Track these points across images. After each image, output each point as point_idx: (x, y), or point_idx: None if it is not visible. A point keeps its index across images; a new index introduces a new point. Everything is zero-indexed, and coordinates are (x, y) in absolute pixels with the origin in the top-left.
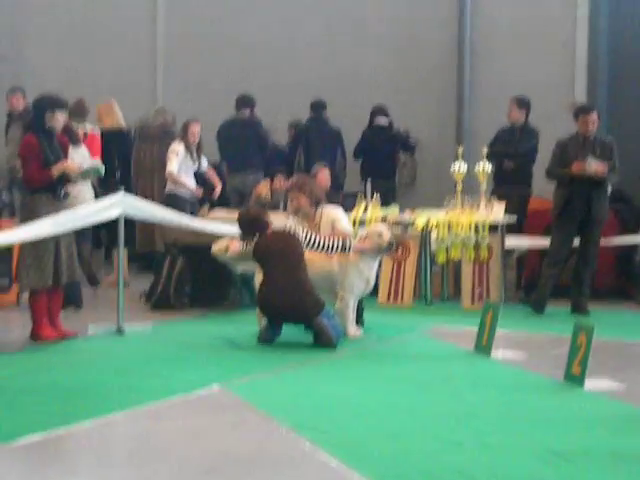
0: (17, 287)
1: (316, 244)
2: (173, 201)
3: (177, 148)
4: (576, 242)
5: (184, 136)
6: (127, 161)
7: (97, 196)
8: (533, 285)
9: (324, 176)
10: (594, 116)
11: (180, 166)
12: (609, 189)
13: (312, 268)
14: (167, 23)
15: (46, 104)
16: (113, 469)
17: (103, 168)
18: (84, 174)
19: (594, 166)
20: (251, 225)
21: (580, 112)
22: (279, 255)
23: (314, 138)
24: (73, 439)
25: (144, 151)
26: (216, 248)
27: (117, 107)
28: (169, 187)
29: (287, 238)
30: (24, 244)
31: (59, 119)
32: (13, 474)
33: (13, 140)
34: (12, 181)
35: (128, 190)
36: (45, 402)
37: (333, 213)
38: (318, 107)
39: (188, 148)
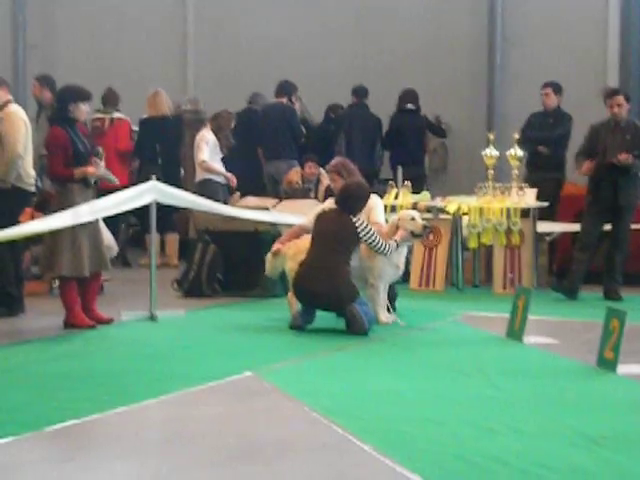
0: (49, 275)
1: (369, 238)
2: (207, 187)
3: (208, 136)
4: (608, 228)
5: (217, 123)
6: (169, 148)
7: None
8: (565, 271)
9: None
10: (619, 99)
11: (211, 155)
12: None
13: None
14: (198, 11)
15: (69, 96)
16: (147, 455)
17: (116, 180)
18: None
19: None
20: (347, 201)
21: (607, 96)
22: (331, 235)
23: (356, 124)
24: (107, 425)
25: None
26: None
27: (162, 96)
28: (201, 174)
29: (346, 222)
30: (58, 232)
31: (82, 110)
32: (47, 460)
33: (42, 129)
34: (42, 169)
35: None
36: (79, 388)
37: (370, 201)
38: (360, 93)
39: (218, 136)
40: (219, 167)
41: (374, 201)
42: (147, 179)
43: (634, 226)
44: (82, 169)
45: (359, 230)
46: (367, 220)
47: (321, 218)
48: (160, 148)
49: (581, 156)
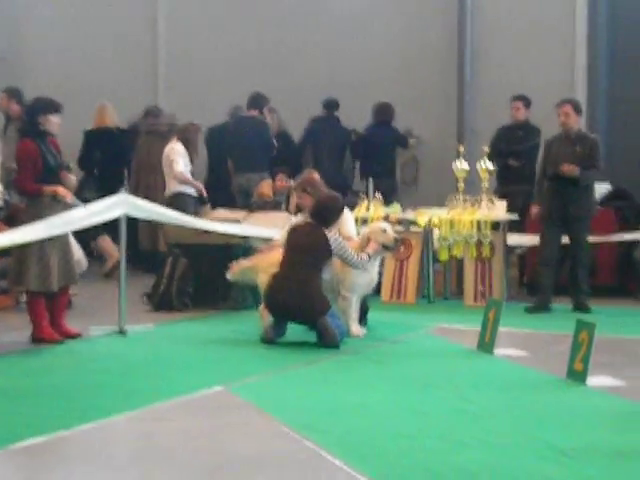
0: (14, 289)
1: (344, 255)
2: (179, 200)
3: (179, 148)
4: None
5: (184, 137)
6: (109, 160)
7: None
8: (535, 283)
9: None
10: (566, 108)
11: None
12: (599, 186)
13: None
14: (168, 24)
15: (39, 108)
16: (116, 471)
17: (84, 206)
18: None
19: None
20: (321, 214)
21: (557, 105)
22: (304, 248)
23: (324, 137)
24: (75, 441)
25: (149, 147)
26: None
27: (107, 109)
28: (175, 187)
29: (318, 235)
30: (25, 246)
31: (53, 122)
32: (14, 478)
33: (9, 142)
34: (9, 182)
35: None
36: (46, 404)
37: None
38: (330, 106)
39: (187, 149)
40: (192, 179)
41: (344, 214)
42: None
43: (601, 239)
44: (52, 188)
45: (331, 243)
46: (338, 233)
47: (294, 231)
48: (100, 160)
49: (541, 178)
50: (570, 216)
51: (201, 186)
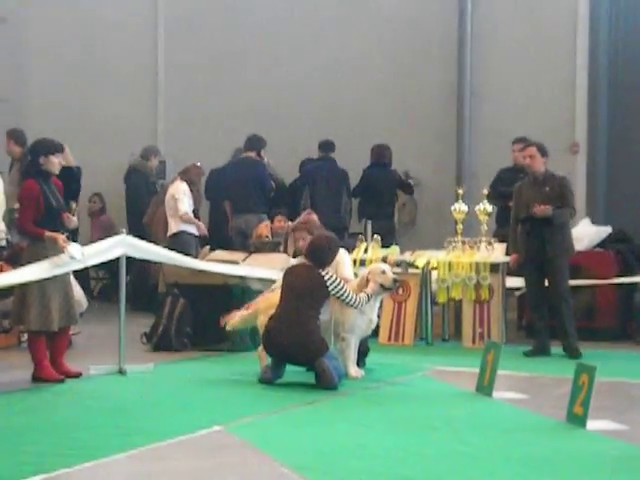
0: (17, 328)
1: (342, 295)
2: (181, 239)
3: (184, 188)
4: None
5: (188, 177)
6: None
7: None
8: (534, 326)
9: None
10: (530, 150)
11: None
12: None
13: None
14: (167, 59)
15: (40, 149)
16: None
17: (81, 258)
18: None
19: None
20: (314, 254)
21: (519, 148)
22: (301, 289)
23: (321, 178)
24: (76, 479)
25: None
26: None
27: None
28: (178, 226)
29: (315, 276)
30: (27, 285)
31: (54, 162)
32: None
33: (12, 182)
34: (12, 222)
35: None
36: (45, 442)
37: (338, 256)
38: (326, 147)
39: (191, 189)
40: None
41: (341, 256)
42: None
43: (596, 282)
44: (53, 236)
45: (328, 284)
46: (335, 274)
47: (290, 272)
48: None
49: (514, 225)
50: (547, 257)
51: (204, 227)
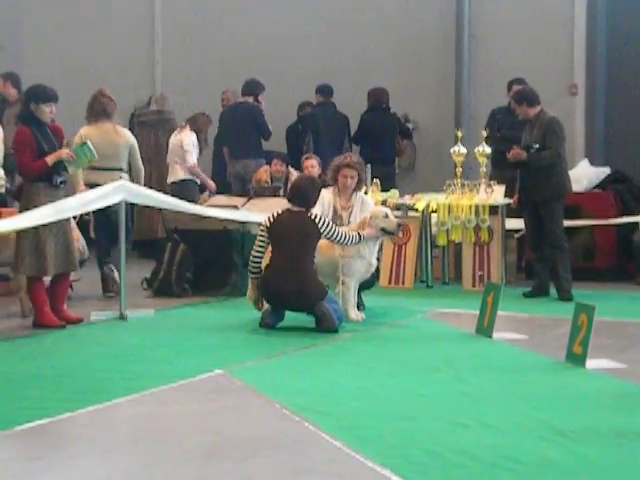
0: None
1: (332, 235)
2: (187, 187)
3: (193, 139)
4: None
5: (196, 126)
6: None
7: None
8: (533, 267)
9: (313, 165)
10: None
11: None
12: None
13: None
14: (165, 8)
15: (31, 96)
16: (117, 453)
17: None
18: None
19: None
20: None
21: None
22: (293, 236)
23: (322, 124)
24: (77, 424)
25: (141, 138)
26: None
27: None
28: (182, 174)
29: (305, 221)
30: (22, 232)
31: (44, 111)
32: (16, 459)
33: (6, 125)
34: (13, 166)
35: None
36: (48, 387)
37: (369, 205)
38: (325, 91)
39: (199, 139)
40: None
41: (370, 204)
42: None
43: (595, 222)
44: (56, 153)
45: (320, 225)
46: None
47: (278, 220)
48: None
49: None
50: (534, 200)
51: (213, 185)
